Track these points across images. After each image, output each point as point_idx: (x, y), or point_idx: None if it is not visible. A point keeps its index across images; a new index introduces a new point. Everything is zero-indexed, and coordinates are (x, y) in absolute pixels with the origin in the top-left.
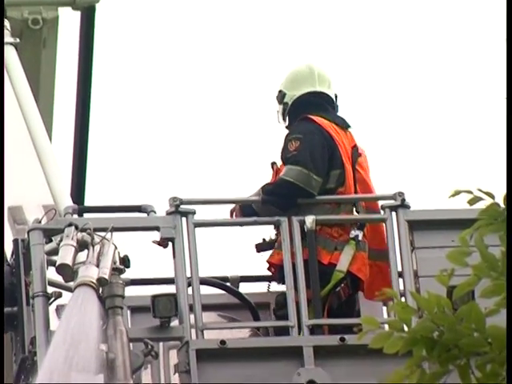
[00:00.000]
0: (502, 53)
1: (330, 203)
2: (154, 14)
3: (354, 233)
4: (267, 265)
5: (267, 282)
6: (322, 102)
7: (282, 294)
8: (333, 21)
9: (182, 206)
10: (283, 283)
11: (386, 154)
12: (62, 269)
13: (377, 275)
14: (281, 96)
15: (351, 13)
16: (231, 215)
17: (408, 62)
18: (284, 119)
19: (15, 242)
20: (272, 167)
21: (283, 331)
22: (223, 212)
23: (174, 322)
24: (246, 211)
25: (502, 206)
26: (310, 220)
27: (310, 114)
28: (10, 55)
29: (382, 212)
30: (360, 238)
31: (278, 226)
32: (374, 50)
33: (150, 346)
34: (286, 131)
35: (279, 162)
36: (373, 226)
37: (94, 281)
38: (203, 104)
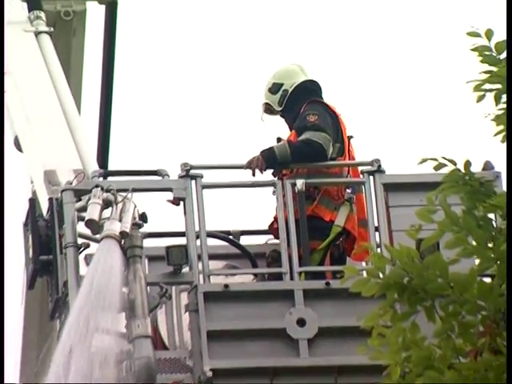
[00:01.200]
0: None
1: (334, 171)
2: (166, 7)
3: (348, 194)
4: (272, 220)
5: (263, 235)
6: (316, 89)
7: (276, 250)
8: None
9: (191, 171)
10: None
11: (365, 125)
12: (90, 223)
13: (360, 240)
14: (277, 86)
15: None
16: (250, 164)
17: (384, 38)
18: (281, 105)
19: (50, 200)
20: (278, 141)
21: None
22: (227, 175)
23: (185, 269)
24: (269, 160)
25: (463, 171)
26: (300, 182)
27: (314, 98)
28: (46, 42)
29: (361, 176)
30: (354, 200)
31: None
32: (350, 26)
33: (164, 289)
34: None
35: (283, 137)
36: (358, 198)
37: (117, 234)
38: (213, 79)
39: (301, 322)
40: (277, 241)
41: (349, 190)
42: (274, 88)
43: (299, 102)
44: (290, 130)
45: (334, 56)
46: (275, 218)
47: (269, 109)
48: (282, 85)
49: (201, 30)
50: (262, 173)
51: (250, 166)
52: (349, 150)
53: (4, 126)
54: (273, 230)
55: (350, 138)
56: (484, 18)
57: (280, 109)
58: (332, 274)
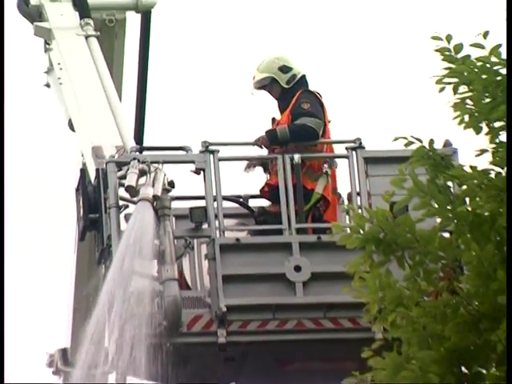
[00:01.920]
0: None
1: (316, 149)
2: (186, 13)
3: (325, 168)
4: (263, 185)
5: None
6: (308, 82)
7: (262, 207)
8: None
9: (210, 147)
10: (271, 200)
11: (351, 109)
12: (129, 189)
13: (332, 205)
14: (287, 68)
15: None
16: (257, 141)
17: (369, 39)
18: (288, 84)
19: (97, 170)
20: (273, 121)
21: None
22: (238, 151)
23: (205, 226)
24: (272, 139)
25: (427, 147)
26: (297, 157)
27: (306, 88)
28: (94, 44)
29: (345, 151)
30: (329, 172)
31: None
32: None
33: (188, 242)
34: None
35: (277, 117)
36: (332, 171)
37: (151, 197)
38: (224, 73)
39: (297, 268)
40: (268, 202)
41: (326, 165)
42: (285, 69)
43: (298, 88)
44: (281, 107)
45: (330, 55)
46: (266, 184)
47: (269, 84)
48: (291, 68)
49: (218, 28)
50: (266, 148)
51: (257, 143)
52: (326, 131)
53: (4, 127)
54: (263, 192)
55: (329, 121)
56: (447, 23)
57: (287, 87)
58: (312, 231)
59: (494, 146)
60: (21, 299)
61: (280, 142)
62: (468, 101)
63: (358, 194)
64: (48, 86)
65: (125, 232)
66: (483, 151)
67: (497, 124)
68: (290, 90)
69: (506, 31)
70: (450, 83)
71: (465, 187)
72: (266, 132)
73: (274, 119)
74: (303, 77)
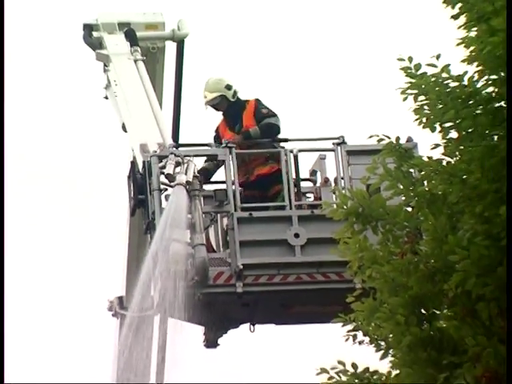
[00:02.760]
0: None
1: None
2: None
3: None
4: (247, 176)
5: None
6: None
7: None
8: None
9: (228, 144)
10: (255, 187)
11: (340, 113)
12: (167, 176)
13: None
14: (229, 86)
15: None
16: (233, 140)
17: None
18: (233, 98)
19: (143, 162)
20: (216, 132)
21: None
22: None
23: (226, 203)
24: (246, 137)
25: (395, 142)
26: (295, 150)
27: (256, 98)
28: (141, 66)
29: (332, 146)
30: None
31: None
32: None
33: (213, 216)
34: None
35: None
36: None
37: (184, 182)
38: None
39: (296, 235)
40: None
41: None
42: (228, 87)
43: (239, 100)
44: (230, 116)
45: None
46: (256, 175)
47: (220, 101)
48: (232, 86)
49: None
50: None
51: (234, 141)
52: None
53: (4, 127)
54: (249, 181)
55: None
56: (409, 48)
57: (233, 100)
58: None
59: (445, 141)
60: (90, 260)
61: (253, 139)
62: (425, 107)
63: (342, 178)
64: (106, 98)
65: (165, 209)
66: (437, 145)
67: (447, 124)
68: (234, 103)
69: (507, 34)
70: (411, 94)
71: (423, 173)
72: (241, 133)
73: (217, 129)
74: (237, 91)
